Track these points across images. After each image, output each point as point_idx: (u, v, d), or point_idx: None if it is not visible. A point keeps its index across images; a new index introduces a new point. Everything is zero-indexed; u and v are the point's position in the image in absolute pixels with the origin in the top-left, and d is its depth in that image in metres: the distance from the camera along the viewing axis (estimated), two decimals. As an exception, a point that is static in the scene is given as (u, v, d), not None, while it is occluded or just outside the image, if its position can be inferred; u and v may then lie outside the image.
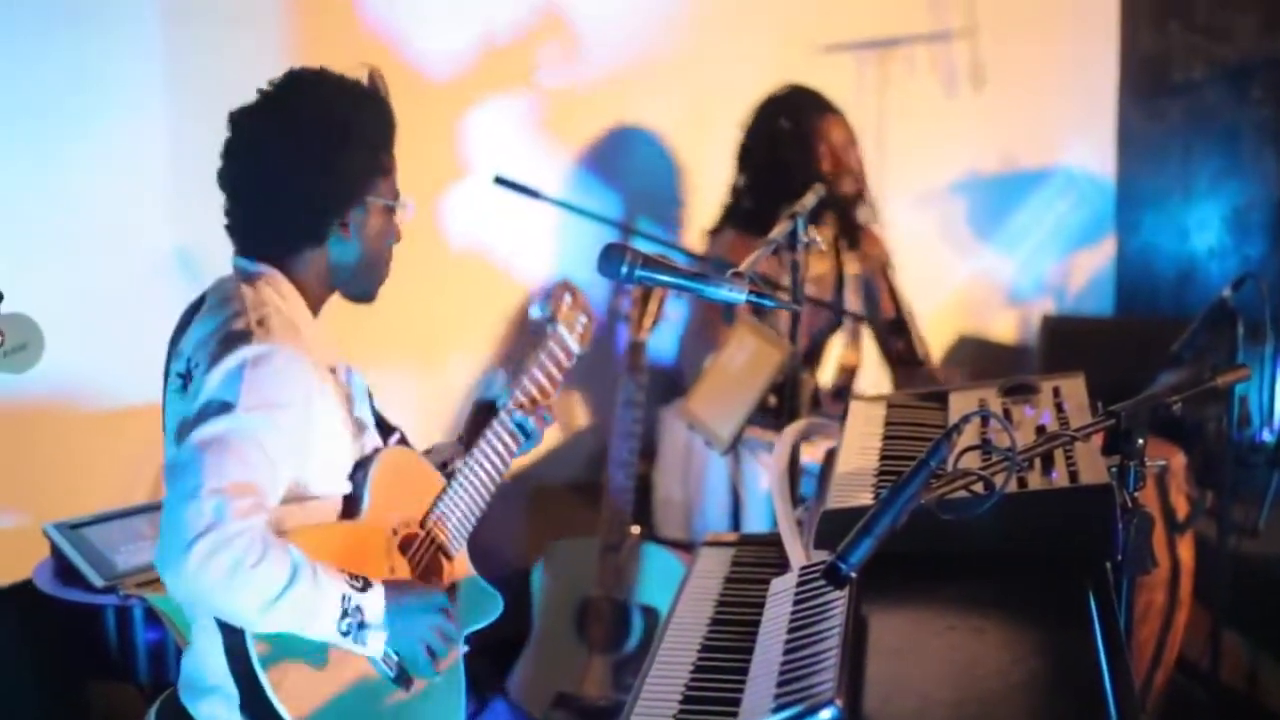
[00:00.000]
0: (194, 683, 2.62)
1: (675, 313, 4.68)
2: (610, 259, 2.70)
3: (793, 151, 4.57)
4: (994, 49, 5.63)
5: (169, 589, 2.38)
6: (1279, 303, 4.50)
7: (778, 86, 4.74)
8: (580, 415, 5.08)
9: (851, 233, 4.69)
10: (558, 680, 4.21)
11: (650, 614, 4.25)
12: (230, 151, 2.62)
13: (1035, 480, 2.58)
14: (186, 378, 2.50)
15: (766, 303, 2.77)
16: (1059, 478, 2.58)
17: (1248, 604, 4.09)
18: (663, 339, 4.79)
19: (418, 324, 4.65)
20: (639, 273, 2.70)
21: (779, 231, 3.23)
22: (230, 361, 2.44)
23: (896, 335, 4.28)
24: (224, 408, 2.40)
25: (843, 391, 4.63)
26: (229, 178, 2.62)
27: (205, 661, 2.58)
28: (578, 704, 4.12)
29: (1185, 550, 3.86)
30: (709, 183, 4.84)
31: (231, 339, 2.47)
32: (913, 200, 5.63)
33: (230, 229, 2.66)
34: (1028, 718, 2.14)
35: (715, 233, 4.72)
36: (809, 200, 3.46)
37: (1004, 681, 2.21)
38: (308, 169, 2.59)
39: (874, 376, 5.17)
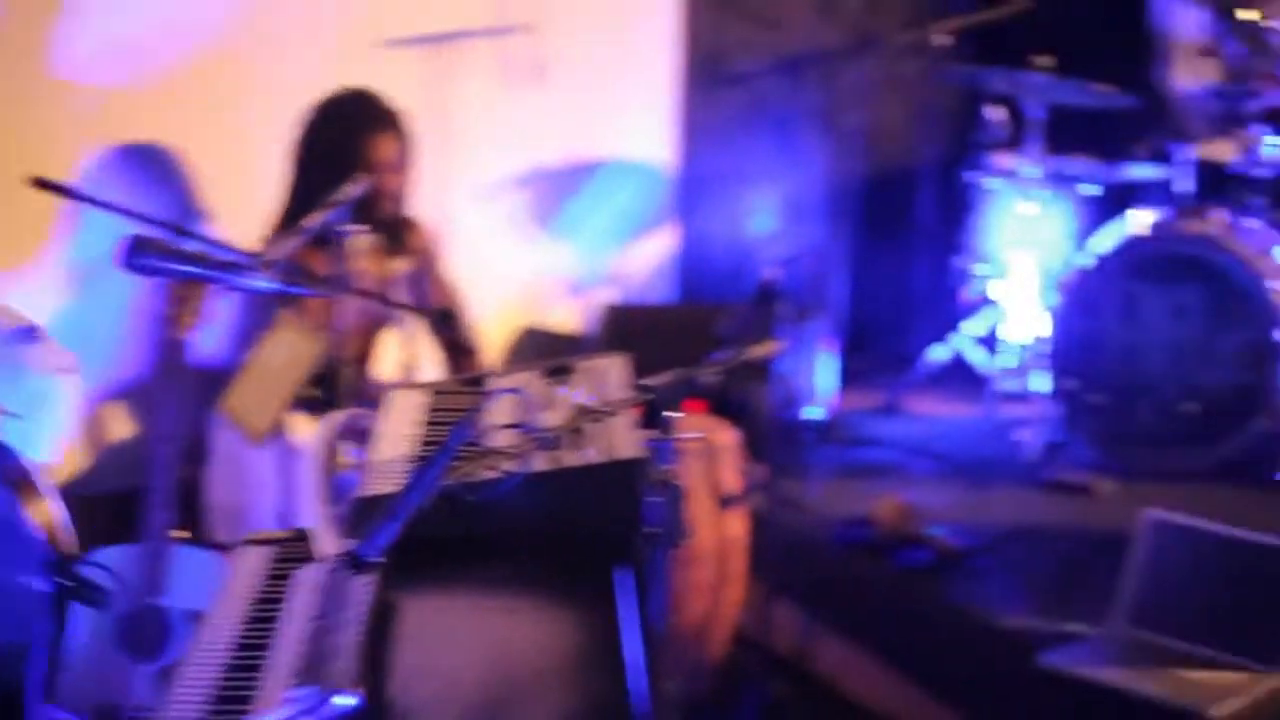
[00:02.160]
0: None
1: (228, 313, 4.55)
2: (131, 253, 2.65)
3: (334, 167, 4.39)
4: (557, 43, 5.67)
5: None
6: (822, 284, 4.69)
7: (336, 89, 4.56)
8: (120, 424, 4.89)
9: (394, 233, 4.62)
10: (98, 692, 4.05)
11: (196, 620, 4.12)
12: None
13: (570, 458, 2.60)
14: None
15: (301, 291, 2.74)
16: (594, 455, 2.61)
17: (798, 575, 4.23)
18: (214, 340, 4.64)
19: None
20: (161, 265, 2.64)
21: (316, 219, 3.18)
22: None
23: (446, 326, 4.26)
24: None
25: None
26: None
27: None
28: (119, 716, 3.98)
29: (736, 526, 3.95)
30: (266, 184, 4.70)
31: None
32: (477, 195, 5.62)
33: None
34: (555, 692, 2.16)
35: (274, 237, 4.58)
36: (349, 190, 3.41)
37: (535, 658, 2.22)
38: None
39: (434, 373, 5.14)
